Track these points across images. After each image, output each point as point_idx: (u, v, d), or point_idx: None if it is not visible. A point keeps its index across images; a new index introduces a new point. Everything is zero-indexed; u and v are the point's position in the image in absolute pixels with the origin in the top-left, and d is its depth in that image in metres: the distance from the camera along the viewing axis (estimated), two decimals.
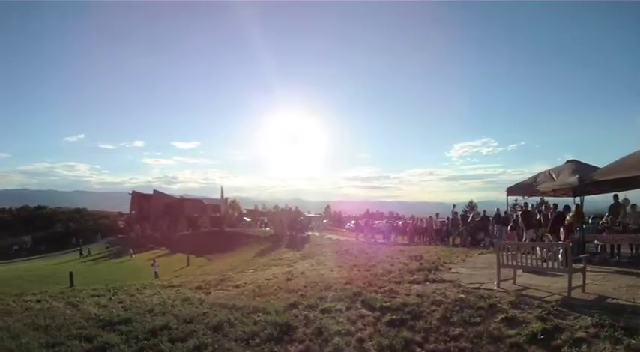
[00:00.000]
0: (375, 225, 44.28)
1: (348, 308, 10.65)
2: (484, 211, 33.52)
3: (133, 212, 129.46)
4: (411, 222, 40.65)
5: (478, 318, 9.15)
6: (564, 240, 17.11)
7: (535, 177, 20.86)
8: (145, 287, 17.27)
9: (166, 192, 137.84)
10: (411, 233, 37.56)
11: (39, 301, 14.19)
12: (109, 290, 16.60)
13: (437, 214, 37.01)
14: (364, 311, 10.37)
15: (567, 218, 19.21)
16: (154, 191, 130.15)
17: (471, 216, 34.37)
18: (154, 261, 43.68)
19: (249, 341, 9.08)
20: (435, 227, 35.01)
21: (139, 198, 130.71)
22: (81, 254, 76.41)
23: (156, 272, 37.90)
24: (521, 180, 22.35)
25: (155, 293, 15.28)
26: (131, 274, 40.91)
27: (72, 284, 31.15)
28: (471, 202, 77.77)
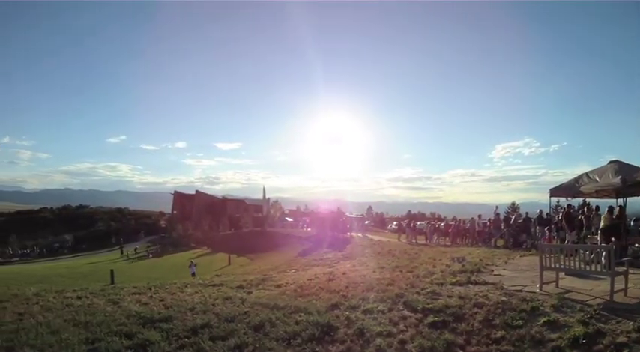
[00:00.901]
0: (417, 227, 44.22)
1: (390, 310, 10.54)
2: (526, 213, 33.25)
3: (175, 212, 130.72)
4: (453, 223, 40.49)
5: (520, 321, 9.02)
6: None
7: (577, 179, 20.62)
8: (186, 286, 17.32)
9: (209, 193, 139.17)
10: (453, 234, 37.41)
11: (79, 298, 14.35)
12: (150, 289, 16.69)
13: (479, 215, 36.80)
14: (406, 312, 10.26)
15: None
16: (197, 191, 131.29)
17: (513, 217, 34.16)
18: (192, 261, 44.07)
19: (291, 340, 9.02)
20: (477, 228, 34.84)
21: (181, 198, 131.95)
22: (122, 252, 77.48)
23: (193, 273, 38.08)
24: (564, 182, 22.10)
25: (196, 292, 15.27)
26: (171, 273, 41.33)
27: (113, 282, 31.82)
28: (513, 203, 77.14)
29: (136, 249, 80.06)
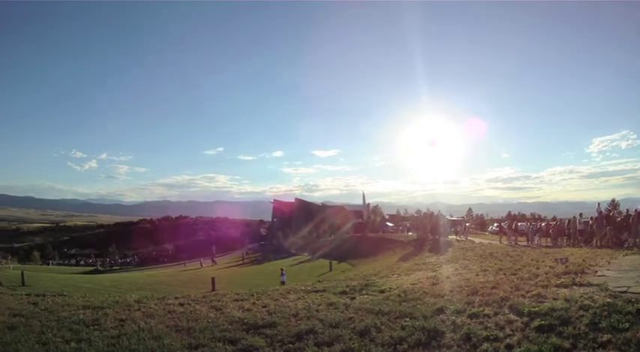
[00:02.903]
0: (518, 228, 43.61)
1: (495, 314, 10.39)
2: (627, 210, 32.32)
3: (275, 219, 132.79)
4: (553, 223, 39.75)
5: (626, 324, 8.80)
6: None
7: None
8: (289, 292, 17.12)
9: (308, 200, 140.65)
10: (554, 234, 36.73)
11: (182, 305, 14.54)
12: (253, 295, 16.57)
13: (580, 214, 35.99)
14: (512, 316, 10.11)
15: None
16: (296, 198, 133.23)
17: (616, 215, 33.29)
18: (282, 269, 44.66)
19: (397, 346, 8.90)
20: (578, 227, 34.11)
21: (280, 206, 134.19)
22: (212, 261, 79.61)
23: (283, 281, 38.38)
24: None
25: (299, 298, 15.09)
26: (272, 279, 41.97)
27: (214, 289, 32.43)
28: (613, 200, 74.86)
29: (243, 255, 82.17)
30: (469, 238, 46.05)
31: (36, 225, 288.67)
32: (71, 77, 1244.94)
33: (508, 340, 8.80)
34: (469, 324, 9.86)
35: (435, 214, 54.41)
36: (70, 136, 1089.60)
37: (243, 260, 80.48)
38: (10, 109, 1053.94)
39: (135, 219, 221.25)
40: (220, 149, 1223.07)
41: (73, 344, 9.80)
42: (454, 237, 48.47)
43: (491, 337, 9.00)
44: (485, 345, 8.65)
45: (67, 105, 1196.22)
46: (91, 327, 11.36)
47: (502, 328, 9.49)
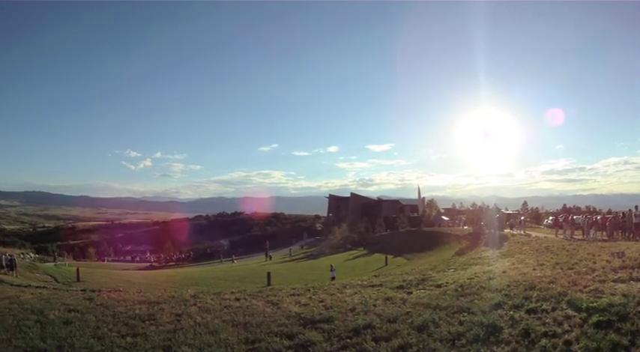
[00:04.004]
0: (574, 221, 43.09)
1: (553, 309, 10.27)
2: None
3: (331, 214, 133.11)
4: (609, 216, 39.19)
5: None
6: None
7: None
8: (345, 287, 17.38)
9: (363, 194, 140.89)
10: (610, 228, 36.22)
11: (237, 299, 14.86)
12: (309, 290, 16.79)
13: (635, 207, 35.44)
14: (570, 311, 9.93)
15: None
16: (351, 193, 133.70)
17: None
18: (332, 265, 44.79)
19: (455, 341, 8.93)
20: (634, 220, 33.58)
21: (336, 201, 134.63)
22: (266, 256, 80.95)
23: (333, 277, 38.59)
24: None
25: (356, 293, 15.21)
26: (327, 274, 42.19)
27: (269, 284, 33.02)
28: None
29: (291, 250, 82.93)
30: (525, 232, 45.50)
31: (91, 222, 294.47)
32: (123, 77, 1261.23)
33: (566, 336, 8.69)
34: (527, 320, 9.77)
35: (490, 208, 53.99)
36: (124, 136, 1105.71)
37: (297, 255, 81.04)
38: (65, 112, 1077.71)
39: (190, 215, 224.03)
40: (275, 145, 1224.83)
41: (128, 339, 10.25)
42: (509, 230, 48.10)
43: (550, 333, 8.91)
44: (543, 341, 8.57)
45: (119, 105, 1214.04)
46: (147, 322, 11.82)
47: (560, 324, 9.38)
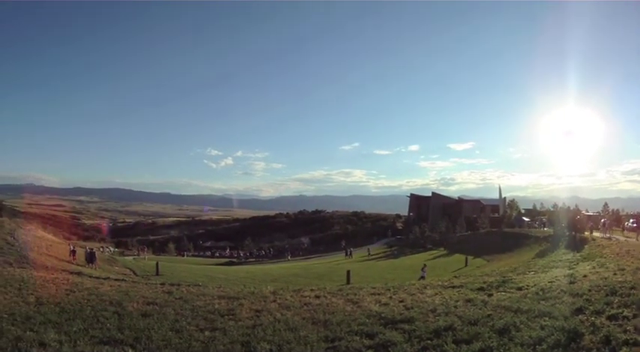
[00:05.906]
0: None
1: (634, 316, 9.95)
2: None
3: (412, 213, 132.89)
4: None
5: None
6: None
7: None
8: (426, 287, 17.32)
9: (444, 194, 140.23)
10: None
11: (317, 297, 15.04)
12: (389, 289, 16.98)
13: None
14: None
15: None
16: (432, 193, 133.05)
17: None
18: (425, 265, 44.47)
19: (536, 346, 8.70)
20: None
21: (417, 200, 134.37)
22: (346, 254, 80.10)
23: (423, 277, 38.03)
24: None
25: (436, 293, 15.34)
26: (408, 274, 41.89)
27: (349, 282, 32.90)
28: None
29: (369, 249, 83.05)
30: (605, 235, 43.84)
31: (172, 219, 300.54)
32: (206, 77, 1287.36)
33: None
34: (608, 326, 9.53)
35: (572, 209, 52.76)
36: (206, 135, 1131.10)
37: (377, 254, 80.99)
38: (149, 112, 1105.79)
39: (271, 213, 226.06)
40: (356, 144, 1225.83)
41: (207, 333, 10.52)
42: (590, 233, 46.95)
43: (631, 341, 8.63)
44: (624, 349, 8.34)
45: (201, 104, 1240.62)
46: (226, 317, 12.17)
47: None
